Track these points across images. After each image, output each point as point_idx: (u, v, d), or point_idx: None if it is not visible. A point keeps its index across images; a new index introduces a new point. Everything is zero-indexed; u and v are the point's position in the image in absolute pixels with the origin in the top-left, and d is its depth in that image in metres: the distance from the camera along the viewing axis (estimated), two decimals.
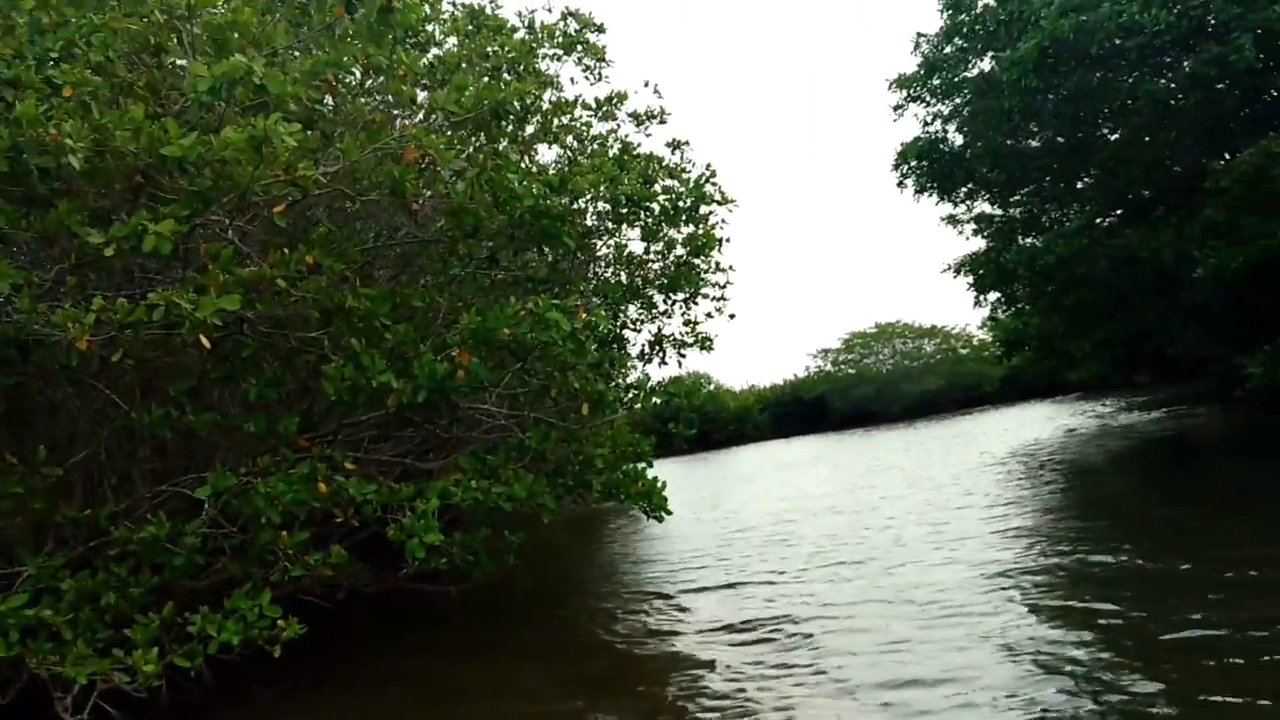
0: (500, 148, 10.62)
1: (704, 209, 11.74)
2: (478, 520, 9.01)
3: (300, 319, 9.15)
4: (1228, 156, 15.57)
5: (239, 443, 9.18)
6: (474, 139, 11.34)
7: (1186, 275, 14.82)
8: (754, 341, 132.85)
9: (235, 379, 8.84)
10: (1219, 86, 14.22)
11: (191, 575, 7.75)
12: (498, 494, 8.63)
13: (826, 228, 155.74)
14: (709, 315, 15.02)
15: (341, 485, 7.90)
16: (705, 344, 12.73)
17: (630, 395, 10.38)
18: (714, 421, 75.17)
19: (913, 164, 21.30)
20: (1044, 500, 15.56)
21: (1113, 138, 17.29)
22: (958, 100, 19.71)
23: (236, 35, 8.17)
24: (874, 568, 12.20)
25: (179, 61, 8.85)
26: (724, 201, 11.25)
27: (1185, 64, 13.41)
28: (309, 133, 8.50)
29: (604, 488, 9.58)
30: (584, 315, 8.71)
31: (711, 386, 78.65)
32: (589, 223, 11.80)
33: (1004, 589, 9.93)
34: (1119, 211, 16.92)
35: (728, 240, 11.85)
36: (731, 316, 14.97)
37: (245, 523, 7.79)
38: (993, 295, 26.83)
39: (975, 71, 19.39)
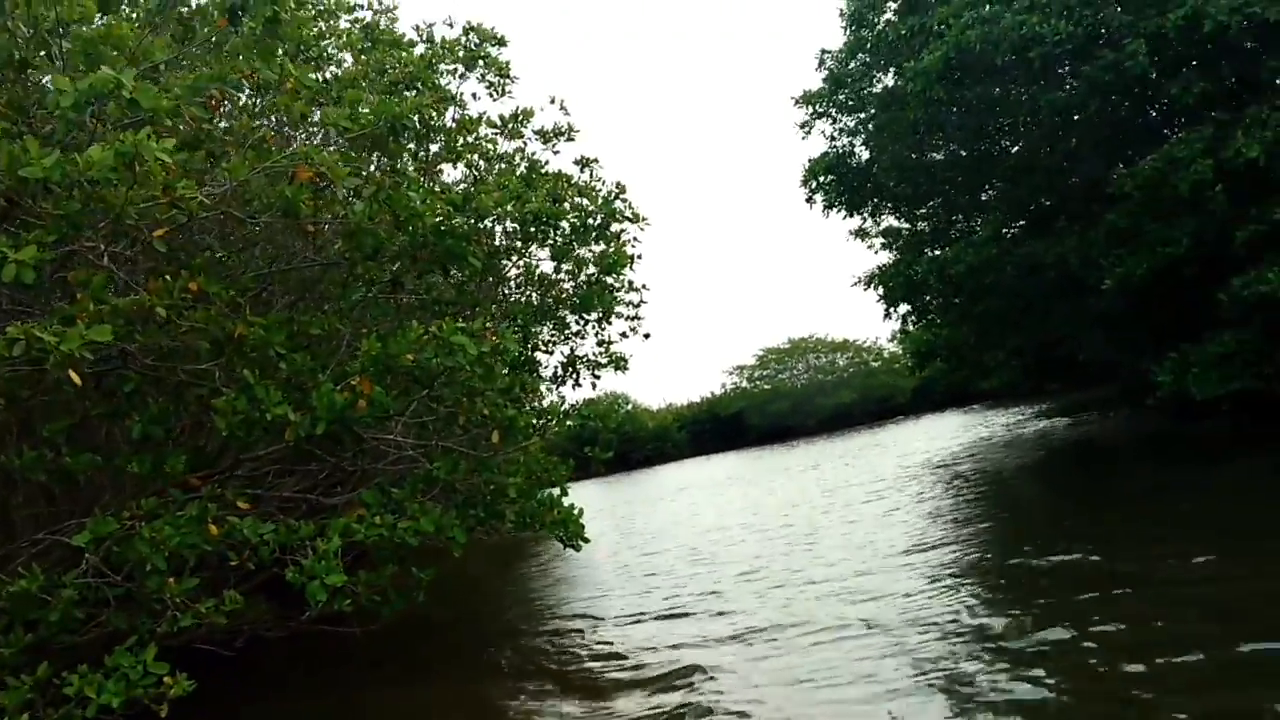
0: (400, 166, 10.21)
1: (615, 227, 11.47)
2: (384, 557, 8.54)
3: (189, 350, 8.64)
4: (1123, 167, 15.84)
5: (124, 484, 8.58)
6: (372, 158, 10.91)
7: (1093, 283, 14.99)
8: (670, 360, 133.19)
9: (119, 416, 8.28)
10: (1113, 97, 14.47)
11: (70, 630, 7.14)
12: (404, 529, 8.19)
13: (739, 245, 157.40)
14: (623, 335, 14.72)
15: (235, 526, 7.39)
16: (620, 364, 12.44)
17: (543, 420, 10.01)
18: (632, 441, 74.87)
19: (820, 180, 21.37)
20: (960, 509, 15.62)
21: (1015, 149, 17.50)
22: (863, 115, 19.83)
23: (112, 50, 7.65)
24: (798, 583, 12.04)
25: (48, 79, 8.29)
26: (635, 219, 11.00)
27: (1084, 70, 13.57)
28: (194, 153, 8.03)
29: (518, 517, 9.18)
30: (492, 338, 8.34)
31: (629, 407, 78.39)
32: (496, 243, 11.43)
33: (926, 607, 9.80)
34: (1023, 222, 17.10)
35: (640, 258, 11.56)
36: (646, 336, 14.68)
37: (130, 570, 7.23)
38: (903, 308, 27.08)
39: (880, 86, 19.55)
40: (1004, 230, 16.13)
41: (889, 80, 18.71)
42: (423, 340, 8.19)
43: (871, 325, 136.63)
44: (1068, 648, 7.68)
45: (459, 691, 9.95)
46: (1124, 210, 14.56)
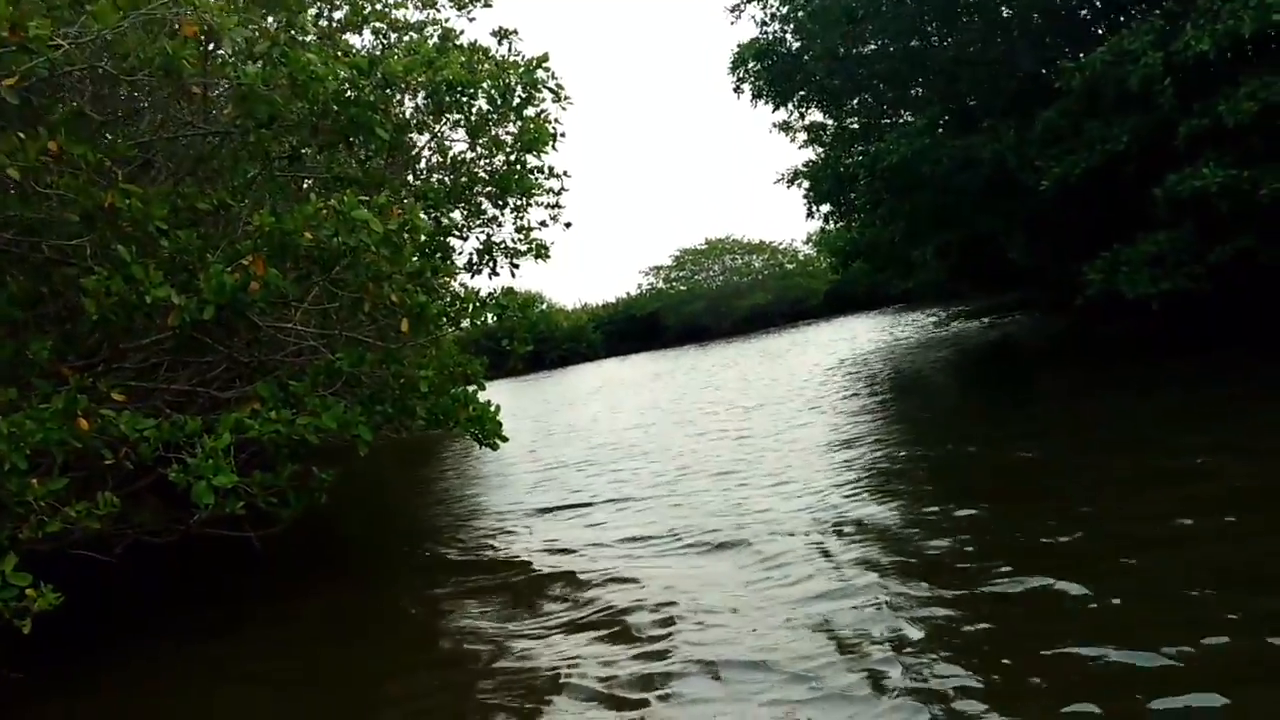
0: (299, 24, 9.17)
1: (532, 110, 10.56)
2: (282, 456, 7.82)
3: (56, 224, 7.68)
4: (1060, 64, 15.33)
5: None
6: (268, 17, 9.80)
7: (1029, 182, 14.60)
8: (585, 260, 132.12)
9: None
10: None
11: None
12: (303, 425, 7.46)
13: (661, 139, 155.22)
14: (543, 224, 13.95)
15: (109, 420, 6.57)
16: (541, 252, 11.67)
17: (458, 308, 9.24)
18: (547, 342, 74.11)
19: (750, 67, 20.51)
20: (872, 408, 15.43)
21: (950, 43, 16.87)
22: (796, 1, 18.99)
23: None
24: (716, 487, 11.65)
25: None
26: (558, 96, 10.10)
27: None
28: None
29: (429, 414, 8.49)
30: (400, 215, 7.54)
31: (544, 306, 77.54)
32: (406, 115, 10.49)
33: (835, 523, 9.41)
34: (959, 118, 16.57)
35: (562, 136, 10.70)
36: (567, 225, 13.92)
37: None
38: (825, 207, 26.61)
39: None
40: (938, 124, 15.55)
41: None
42: (322, 216, 7.36)
43: (790, 227, 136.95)
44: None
45: (361, 598, 9.36)
46: (1063, 107, 14.11)
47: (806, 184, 25.08)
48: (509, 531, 11.26)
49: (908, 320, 40.75)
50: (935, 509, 8.72)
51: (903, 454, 11.72)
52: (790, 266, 74.48)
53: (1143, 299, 13.16)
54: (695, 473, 12.74)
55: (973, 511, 8.40)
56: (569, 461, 16.04)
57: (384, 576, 10.21)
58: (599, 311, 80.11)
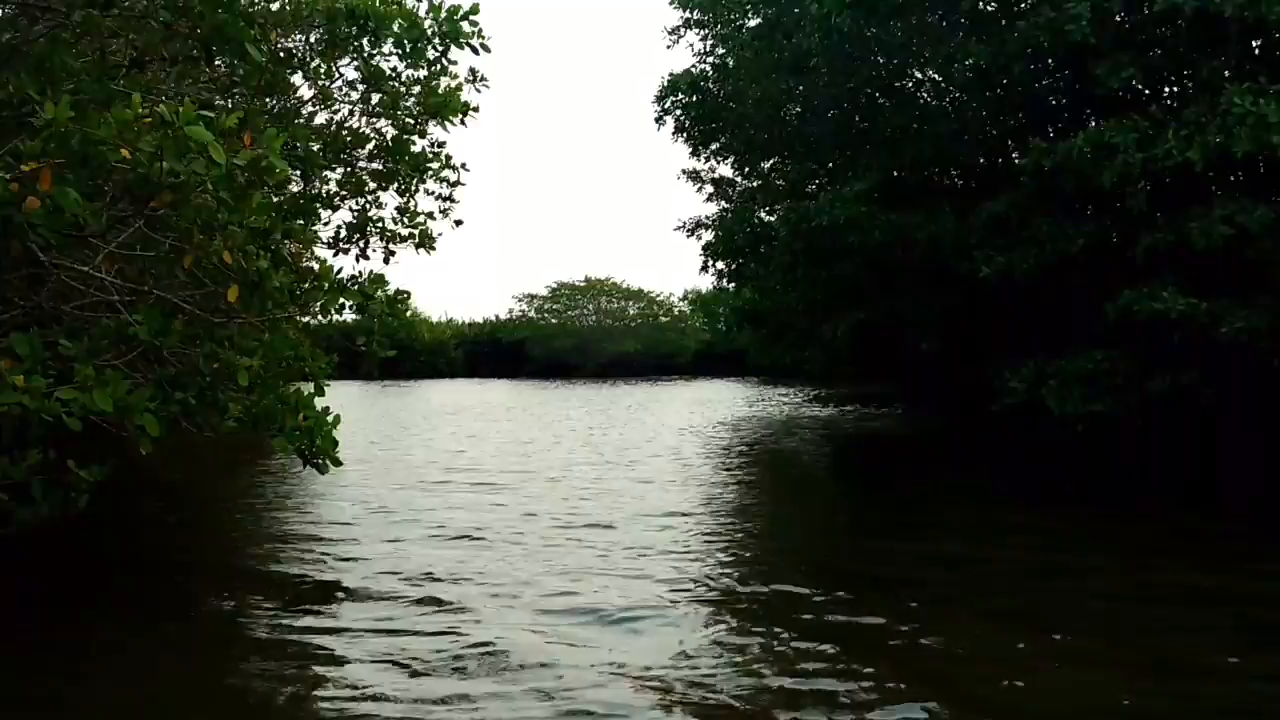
0: None
1: (449, 67, 8.71)
2: (28, 437, 5.72)
3: None
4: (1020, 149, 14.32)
5: None
6: None
7: (959, 270, 13.46)
8: (459, 272, 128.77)
9: None
10: (1034, 66, 12.89)
11: None
12: (67, 400, 5.37)
13: (559, 160, 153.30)
14: (430, 216, 12.02)
15: None
16: (426, 242, 9.75)
17: (309, 289, 7.18)
18: (406, 350, 70.82)
19: (677, 99, 19.11)
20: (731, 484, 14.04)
21: (906, 109, 15.73)
22: (744, 30, 17.67)
23: None
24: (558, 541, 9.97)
25: None
26: (477, 50, 8.16)
27: (1019, 25, 11.83)
28: None
29: (245, 414, 6.46)
30: (251, 146, 5.60)
31: (408, 313, 74.52)
32: (289, 44, 8.50)
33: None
34: (896, 191, 15.43)
35: (475, 111, 8.84)
36: (458, 223, 12.03)
37: None
38: (720, 265, 25.32)
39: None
40: (874, 194, 14.33)
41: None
42: (144, 125, 5.35)
43: (669, 279, 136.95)
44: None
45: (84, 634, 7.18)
46: (1013, 199, 13.06)
47: (709, 236, 23.81)
48: (303, 572, 9.17)
49: (772, 395, 40.01)
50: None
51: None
52: (664, 320, 73.70)
53: (1068, 419, 12.06)
54: (529, 530, 10.95)
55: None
56: (406, 490, 14.02)
57: (130, 608, 7.98)
58: (464, 330, 77.43)
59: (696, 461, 16.93)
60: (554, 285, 74.52)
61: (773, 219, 17.42)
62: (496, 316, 77.57)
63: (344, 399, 43.26)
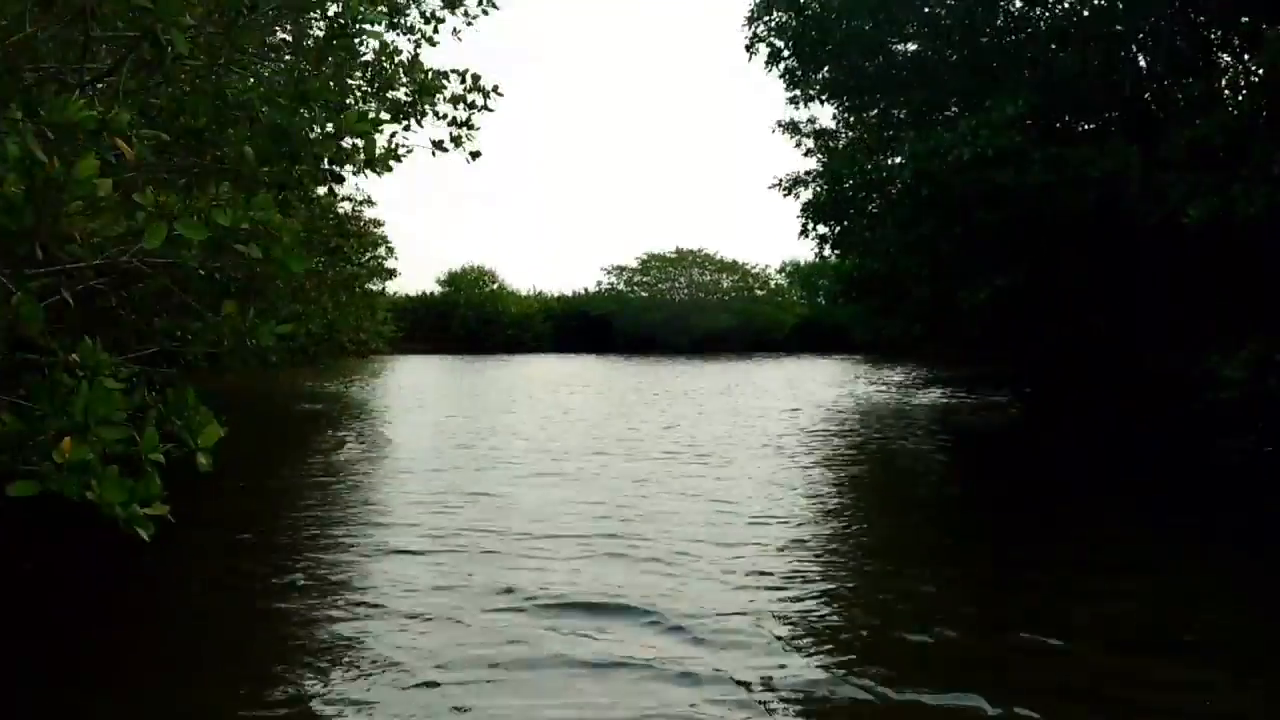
0: None
1: None
2: None
3: None
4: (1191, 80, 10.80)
5: None
6: None
7: (1148, 217, 10.01)
8: (548, 245, 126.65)
9: None
10: None
11: None
12: None
13: (649, 128, 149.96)
14: (439, 146, 9.18)
15: None
16: (379, 162, 6.79)
17: None
18: (491, 324, 68.93)
19: (777, 17, 15.82)
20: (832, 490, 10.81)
21: (1055, 23, 12.21)
22: None
23: None
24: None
25: None
26: None
27: None
28: None
29: None
30: None
31: (494, 285, 72.39)
32: None
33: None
34: (1049, 122, 11.94)
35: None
36: (475, 155, 9.15)
37: None
38: (823, 228, 21.97)
39: None
40: (1025, 120, 10.92)
41: None
42: None
43: (765, 251, 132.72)
44: None
45: None
46: (1224, 119, 9.56)
47: (809, 194, 20.46)
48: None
49: (887, 376, 36.32)
50: None
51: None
52: (760, 293, 70.05)
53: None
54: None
55: None
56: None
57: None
58: (552, 303, 74.82)
59: (785, 473, 13.48)
60: (644, 257, 71.52)
61: (890, 162, 13.91)
62: (585, 290, 74.93)
63: (431, 371, 41.55)
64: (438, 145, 9.32)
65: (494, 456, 14.39)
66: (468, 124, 9.38)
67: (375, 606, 6.89)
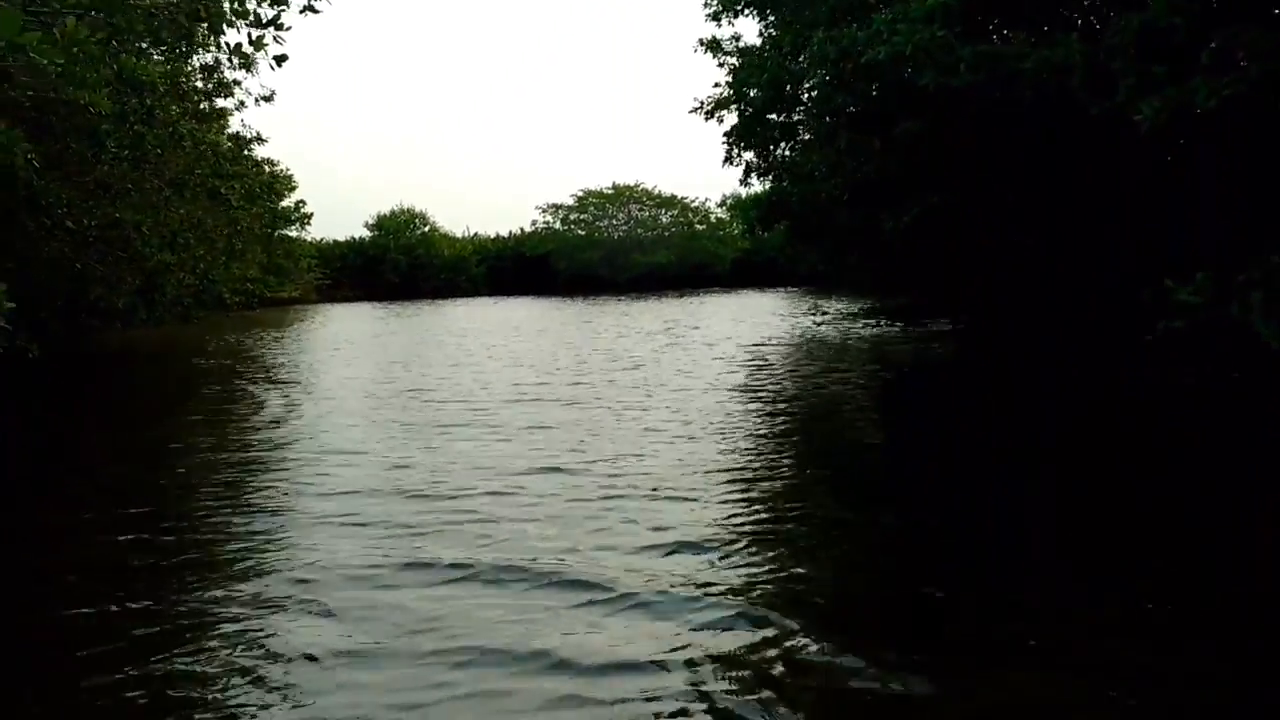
0: None
1: None
2: None
3: None
4: None
5: None
6: None
7: (1094, 112, 8.50)
8: (482, 186, 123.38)
9: None
10: None
11: None
12: None
13: (583, 58, 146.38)
14: (238, 50, 7.49)
15: None
16: None
17: None
18: (424, 269, 66.69)
19: None
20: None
21: None
22: None
23: None
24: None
25: None
26: None
27: None
28: None
29: None
30: None
31: (426, 228, 69.82)
32: None
33: None
34: (986, 13, 10.31)
35: None
36: (279, 60, 7.47)
37: None
38: (749, 155, 20.40)
39: None
40: (945, 11, 9.30)
41: None
42: None
43: (707, 184, 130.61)
44: None
45: None
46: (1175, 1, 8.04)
47: (730, 112, 18.88)
48: None
49: (825, 309, 34.94)
50: None
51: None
52: (700, 228, 68.17)
53: None
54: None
55: None
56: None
57: None
58: (487, 244, 72.43)
59: (707, 418, 12.07)
60: (580, 194, 69.15)
61: (799, 67, 12.23)
62: (521, 230, 72.46)
63: (351, 320, 39.39)
64: (234, 51, 7.62)
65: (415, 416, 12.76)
66: (275, 22, 7.67)
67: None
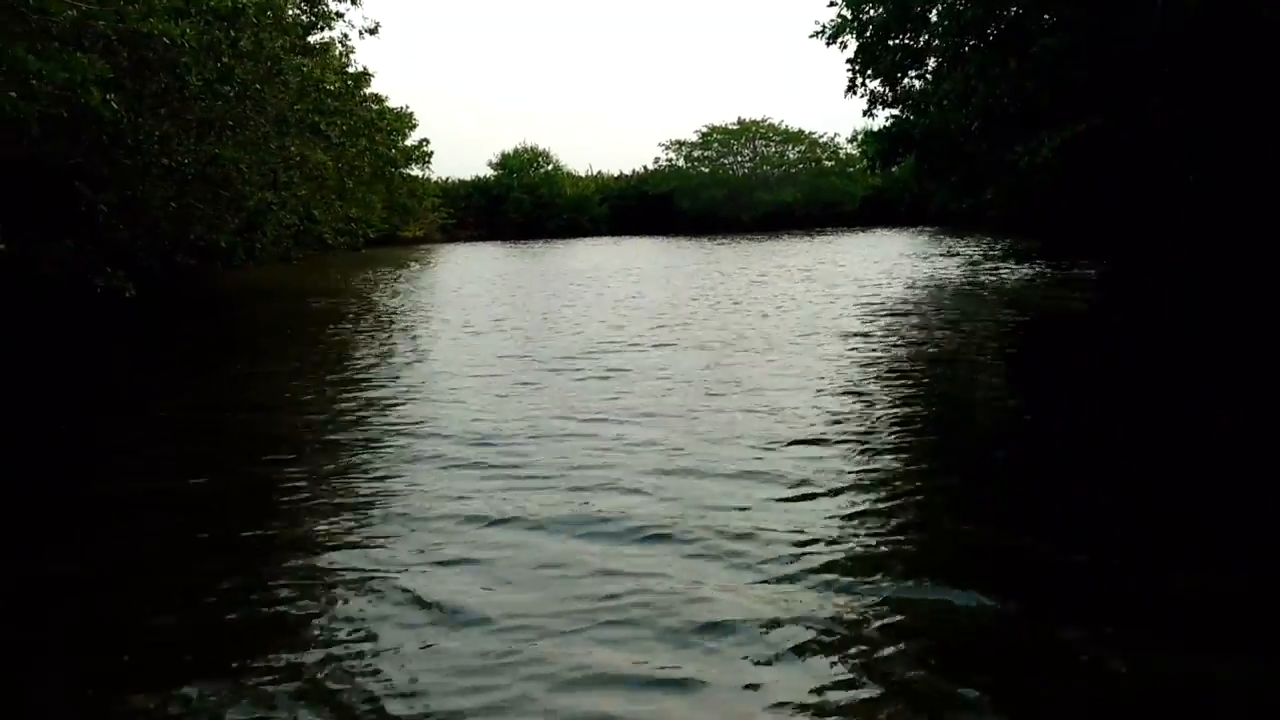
0: None
1: None
2: None
3: None
4: None
5: None
6: None
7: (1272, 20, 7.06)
8: (609, 122, 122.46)
9: None
10: None
11: None
12: None
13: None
14: None
15: None
16: None
17: None
18: (547, 208, 66.27)
19: None
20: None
21: None
22: None
23: None
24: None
25: None
26: None
27: None
28: None
29: None
30: None
31: (549, 167, 69.39)
32: None
33: None
34: None
35: None
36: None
37: None
38: (874, 84, 18.94)
39: None
40: None
41: None
42: None
43: (836, 119, 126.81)
44: None
45: None
46: None
47: (850, 36, 17.46)
48: None
49: (958, 250, 32.93)
50: None
51: None
52: (829, 164, 65.79)
53: None
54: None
55: None
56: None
57: None
58: (609, 183, 71.49)
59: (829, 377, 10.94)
60: (704, 130, 67.45)
61: None
62: (644, 168, 71.19)
63: (473, 259, 39.25)
64: None
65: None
66: None
67: None
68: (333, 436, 8.38)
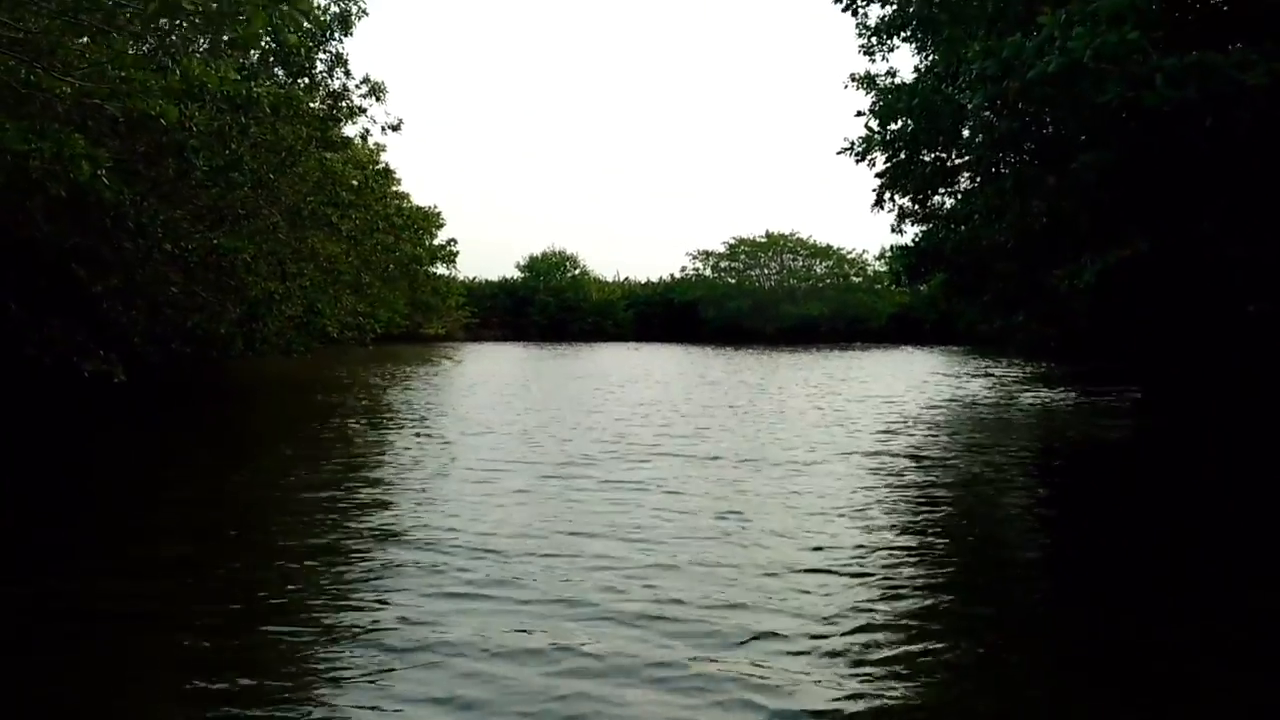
0: None
1: None
2: None
3: None
4: None
5: None
6: None
7: None
8: (637, 230, 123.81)
9: None
10: None
11: None
12: None
13: (737, 107, 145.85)
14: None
15: None
16: None
17: None
18: (572, 311, 66.34)
19: None
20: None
21: None
22: None
23: None
24: None
25: None
26: None
27: None
28: None
29: None
30: None
31: (577, 271, 69.64)
32: None
33: None
34: (1188, 19, 8.31)
35: None
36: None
37: None
38: (902, 199, 18.49)
39: None
40: (1147, 13, 7.39)
41: None
42: None
43: (865, 236, 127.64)
44: None
45: None
46: None
47: (878, 151, 17.04)
48: None
49: (985, 371, 32.14)
50: None
51: None
52: (856, 280, 65.66)
53: None
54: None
55: None
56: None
57: None
58: (635, 289, 71.75)
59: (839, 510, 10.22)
60: (732, 241, 67.63)
61: (956, 90, 10.29)
62: (671, 275, 71.34)
63: (510, 359, 38.91)
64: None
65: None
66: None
67: None
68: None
